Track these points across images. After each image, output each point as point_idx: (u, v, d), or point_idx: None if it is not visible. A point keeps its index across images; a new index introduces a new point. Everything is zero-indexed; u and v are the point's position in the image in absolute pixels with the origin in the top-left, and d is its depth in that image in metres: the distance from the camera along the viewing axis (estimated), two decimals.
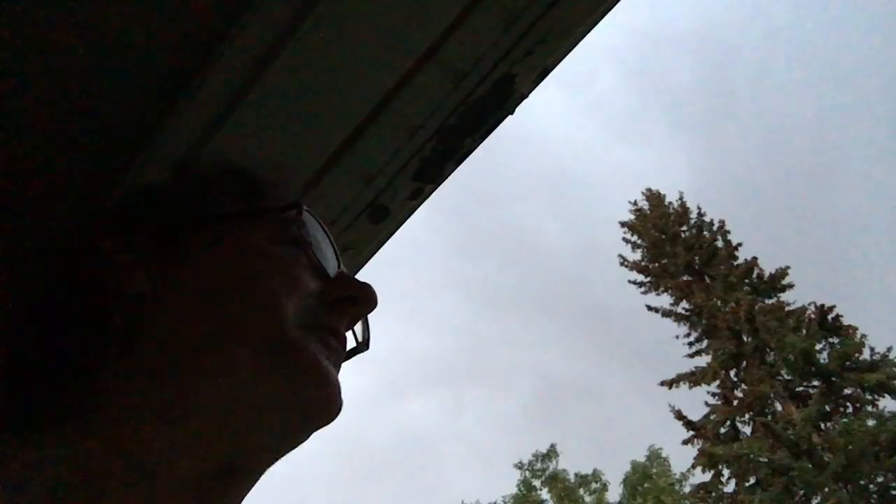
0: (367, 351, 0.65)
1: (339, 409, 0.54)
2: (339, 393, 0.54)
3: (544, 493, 22.29)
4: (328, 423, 0.54)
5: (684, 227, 21.29)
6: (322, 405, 0.53)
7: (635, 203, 22.56)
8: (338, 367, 0.57)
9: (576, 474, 22.30)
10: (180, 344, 0.52)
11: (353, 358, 0.64)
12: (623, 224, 22.25)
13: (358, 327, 0.65)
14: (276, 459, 0.54)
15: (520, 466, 23.03)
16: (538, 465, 22.87)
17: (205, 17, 0.76)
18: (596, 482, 22.02)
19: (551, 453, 22.85)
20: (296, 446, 0.55)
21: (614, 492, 21.97)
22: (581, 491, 21.91)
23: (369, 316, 0.65)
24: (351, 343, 0.63)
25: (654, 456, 21.35)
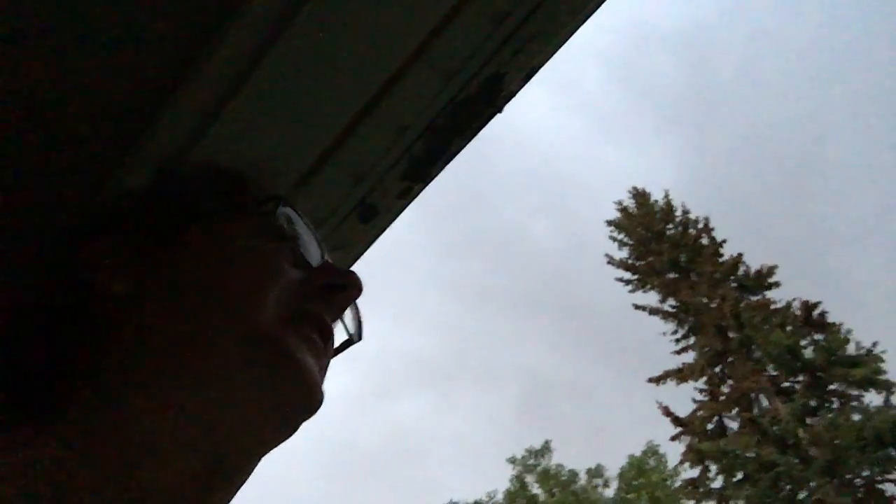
0: (361, 342, 0.65)
1: (319, 403, 0.53)
2: (318, 386, 0.53)
3: (536, 489, 22.38)
4: (309, 417, 0.53)
5: (670, 225, 21.42)
6: (300, 399, 0.52)
7: (621, 202, 22.69)
8: (322, 359, 0.56)
9: (570, 470, 22.39)
10: (161, 344, 0.51)
11: (346, 351, 0.64)
12: (609, 223, 22.37)
13: (349, 319, 0.64)
14: (262, 456, 0.54)
15: (513, 461, 23.11)
16: (531, 461, 22.97)
17: (191, 17, 0.75)
18: (598, 477, 22.11)
19: (544, 450, 22.97)
20: (282, 441, 0.54)
21: (610, 486, 22.09)
22: (581, 482, 22.00)
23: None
24: (342, 336, 0.62)
25: (651, 452, 21.45)
